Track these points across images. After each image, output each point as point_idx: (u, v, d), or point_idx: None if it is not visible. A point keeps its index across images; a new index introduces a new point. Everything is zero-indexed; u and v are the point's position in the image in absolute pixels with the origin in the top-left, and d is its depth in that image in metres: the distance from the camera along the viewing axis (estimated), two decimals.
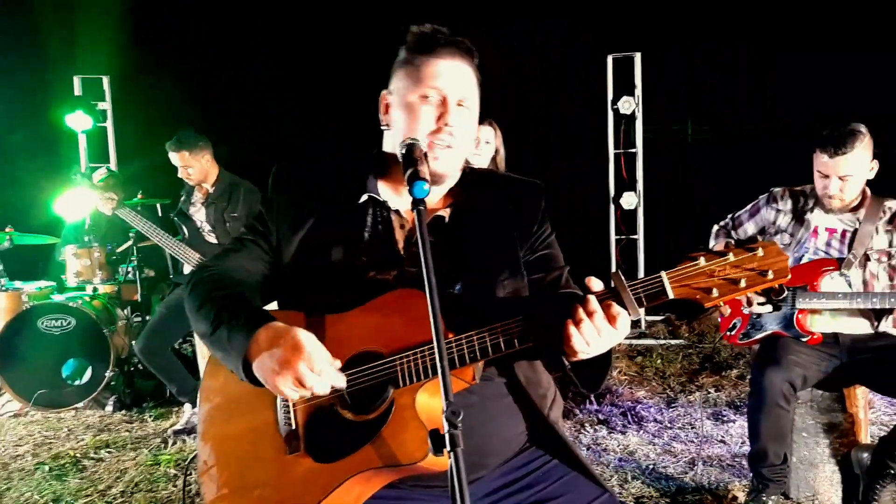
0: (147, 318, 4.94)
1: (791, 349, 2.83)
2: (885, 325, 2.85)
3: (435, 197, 1.63)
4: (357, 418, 1.43)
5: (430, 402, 1.40)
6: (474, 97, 1.60)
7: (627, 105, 6.36)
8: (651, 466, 3.53)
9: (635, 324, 6.43)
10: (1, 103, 6.72)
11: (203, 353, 4.30)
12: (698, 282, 1.32)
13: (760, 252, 1.32)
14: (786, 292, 2.89)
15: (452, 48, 1.56)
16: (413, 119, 1.54)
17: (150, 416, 4.56)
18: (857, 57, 7.02)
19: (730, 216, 3.29)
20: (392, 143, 1.60)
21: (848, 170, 2.81)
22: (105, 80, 6.65)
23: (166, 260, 4.89)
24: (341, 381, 1.39)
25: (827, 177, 2.85)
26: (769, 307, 2.91)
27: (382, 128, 1.64)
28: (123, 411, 4.70)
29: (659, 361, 5.48)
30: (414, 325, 1.40)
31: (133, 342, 4.64)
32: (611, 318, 1.32)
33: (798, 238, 3.01)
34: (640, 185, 6.56)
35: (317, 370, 1.36)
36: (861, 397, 3.07)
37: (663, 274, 1.33)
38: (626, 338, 6.09)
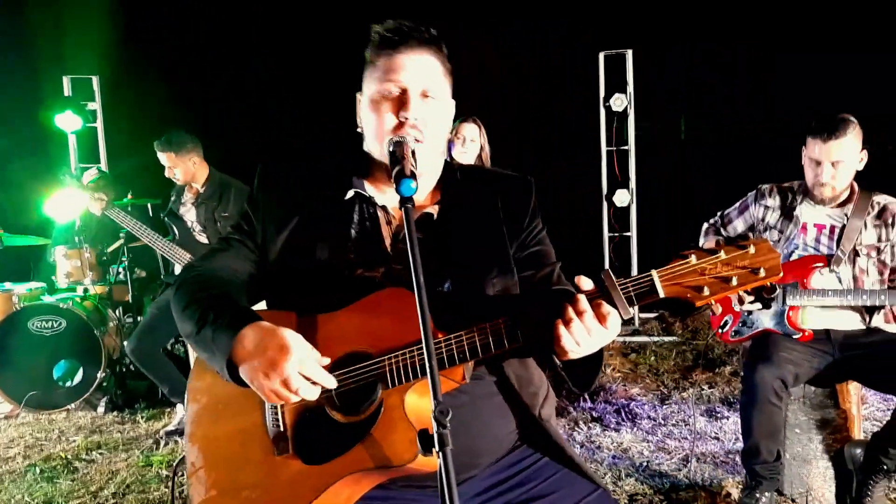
0: (139, 318, 4.91)
1: (782, 346, 2.83)
2: (877, 321, 2.85)
3: (422, 194, 1.62)
4: (346, 419, 1.41)
5: (419, 403, 1.38)
6: (442, 87, 1.57)
7: (619, 102, 6.36)
8: (645, 463, 3.53)
9: (629, 321, 6.43)
10: None
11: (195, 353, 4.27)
12: (689, 280, 1.30)
13: (752, 249, 1.30)
14: (777, 290, 2.89)
15: (414, 41, 1.53)
16: (378, 117, 1.53)
17: (142, 417, 4.54)
18: (853, 56, 7.03)
19: (719, 214, 3.29)
20: (367, 145, 1.60)
21: (840, 155, 2.82)
22: (95, 81, 6.61)
23: (158, 260, 4.86)
24: (331, 382, 1.38)
25: (819, 164, 2.86)
26: (759, 305, 2.91)
27: (358, 130, 1.62)
28: (115, 412, 4.68)
29: (653, 358, 5.48)
30: (402, 324, 1.39)
31: (125, 343, 4.62)
32: (601, 318, 1.31)
33: (787, 234, 3.01)
34: (632, 183, 6.55)
35: (306, 372, 1.34)
36: (854, 393, 3.07)
37: (654, 272, 1.31)
38: (620, 335, 6.07)
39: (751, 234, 2.65)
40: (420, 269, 1.24)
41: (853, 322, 2.90)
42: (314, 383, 1.36)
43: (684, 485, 3.27)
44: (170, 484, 3.43)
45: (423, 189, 1.62)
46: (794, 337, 2.88)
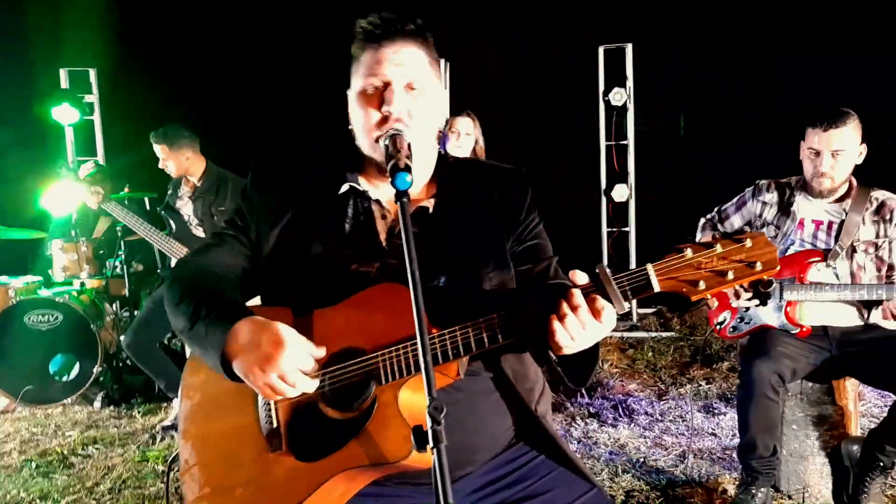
0: (135, 312, 4.90)
1: (780, 341, 2.82)
2: (875, 317, 2.85)
3: (417, 187, 1.60)
4: (339, 416, 1.40)
5: (413, 399, 1.37)
6: (428, 78, 1.54)
7: (619, 97, 6.34)
8: (642, 460, 3.52)
9: (626, 316, 6.42)
10: None
11: (189, 348, 4.26)
12: (685, 274, 1.29)
13: (748, 243, 1.29)
14: (773, 284, 2.88)
15: (397, 34, 1.51)
16: (363, 113, 1.51)
17: (139, 412, 4.53)
18: (853, 56, 7.02)
19: (716, 209, 3.28)
20: (358, 141, 1.58)
21: (840, 144, 2.82)
22: (92, 73, 6.57)
23: (155, 254, 4.84)
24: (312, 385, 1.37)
25: (818, 154, 2.85)
26: (757, 301, 2.90)
27: (350, 127, 1.61)
28: (112, 407, 4.66)
29: (650, 354, 5.48)
30: (396, 320, 1.38)
31: (121, 337, 4.60)
32: (595, 313, 1.30)
33: (784, 230, 3.00)
34: (631, 178, 6.54)
35: (301, 366, 1.33)
36: (851, 389, 3.06)
37: (649, 266, 1.30)
38: (618, 330, 6.10)
39: (746, 230, 2.64)
40: (416, 265, 1.23)
41: (851, 318, 2.89)
42: (311, 381, 1.36)
43: (681, 481, 3.27)
44: (165, 479, 3.42)
45: (418, 182, 1.60)
46: (792, 332, 2.87)
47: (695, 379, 4.81)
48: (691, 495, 3.13)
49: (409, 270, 1.22)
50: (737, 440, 3.02)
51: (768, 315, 2.94)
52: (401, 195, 1.31)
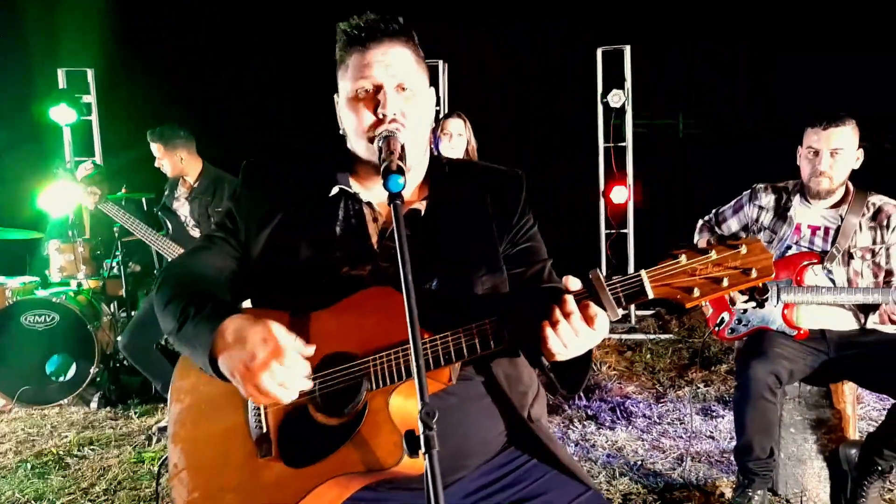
0: (132, 313, 4.88)
1: (777, 343, 2.81)
2: (872, 322, 2.84)
3: (409, 189, 1.59)
4: (330, 421, 1.39)
5: (404, 405, 1.36)
6: (417, 78, 1.53)
7: (617, 98, 6.32)
8: (639, 462, 3.51)
9: (625, 318, 6.41)
10: None
11: (180, 350, 4.24)
12: (679, 281, 1.28)
13: (744, 249, 1.27)
14: (769, 291, 2.87)
15: (382, 35, 1.50)
16: (356, 116, 1.50)
17: (136, 413, 4.51)
18: (853, 56, 7.02)
19: (714, 211, 3.27)
20: (350, 144, 1.57)
21: (839, 143, 2.82)
22: (90, 73, 6.55)
23: (152, 255, 4.82)
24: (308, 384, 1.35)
25: (817, 154, 2.85)
26: (753, 304, 2.89)
27: (341, 132, 1.60)
28: (108, 408, 4.64)
29: (649, 356, 5.46)
30: (388, 324, 1.37)
31: (118, 338, 4.59)
32: (588, 319, 1.28)
33: (780, 235, 2.99)
34: (630, 180, 6.52)
35: (291, 367, 1.31)
36: (849, 393, 3.05)
37: (643, 273, 1.29)
38: (616, 332, 6.09)
39: (742, 234, 2.63)
40: (409, 268, 1.21)
41: (848, 322, 2.88)
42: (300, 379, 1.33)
43: (678, 484, 3.26)
44: (161, 481, 3.41)
45: (410, 184, 1.59)
46: (790, 335, 2.86)
47: (693, 381, 4.80)
48: (689, 498, 3.12)
49: (402, 274, 1.21)
50: (734, 442, 3.01)
51: (766, 317, 2.92)
52: (393, 197, 1.29)
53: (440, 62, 6.54)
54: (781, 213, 3.02)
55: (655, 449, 3.67)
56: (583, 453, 3.64)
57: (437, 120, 4.03)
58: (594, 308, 1.28)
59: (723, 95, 8.41)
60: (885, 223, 2.86)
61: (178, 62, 7.46)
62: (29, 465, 3.69)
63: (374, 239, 1.56)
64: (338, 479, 1.34)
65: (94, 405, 4.66)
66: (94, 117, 6.62)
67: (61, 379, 4.68)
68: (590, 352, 1.37)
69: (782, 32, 7.28)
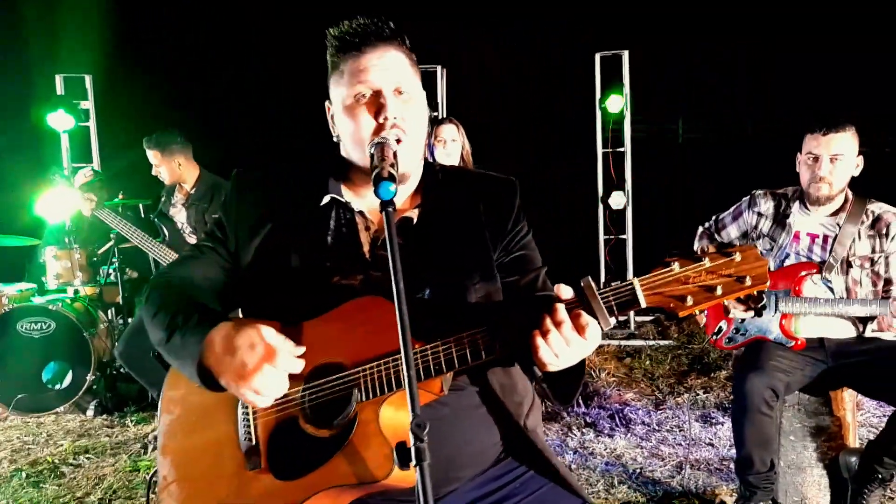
0: (129, 320, 4.86)
1: (774, 355, 2.79)
2: (871, 329, 2.81)
3: (401, 197, 1.57)
4: (320, 433, 1.37)
5: (395, 416, 1.34)
6: (413, 82, 1.52)
7: (615, 104, 6.31)
8: (638, 470, 3.48)
9: (624, 324, 6.39)
10: None
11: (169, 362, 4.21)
12: (672, 289, 1.26)
13: (738, 257, 1.26)
14: (764, 300, 2.85)
15: (376, 39, 1.48)
16: (355, 123, 1.47)
17: (132, 421, 4.49)
18: (853, 56, 7.00)
19: (713, 218, 3.25)
20: (345, 151, 1.55)
21: (839, 149, 2.80)
22: (88, 79, 6.54)
23: (149, 261, 4.81)
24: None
25: (817, 159, 2.83)
26: (751, 313, 2.87)
27: (334, 139, 1.58)
28: (105, 416, 4.62)
29: (648, 363, 5.43)
30: (378, 335, 1.35)
31: (115, 345, 4.56)
32: (579, 329, 1.26)
33: (779, 243, 2.97)
34: (628, 185, 6.51)
35: (282, 369, 1.30)
36: (849, 400, 3.03)
37: (635, 281, 1.27)
38: (615, 338, 6.07)
39: (736, 243, 2.61)
40: (400, 276, 1.20)
41: (847, 330, 2.86)
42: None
43: (678, 493, 3.23)
44: (154, 491, 3.39)
45: (404, 192, 1.57)
46: (787, 345, 2.84)
47: (692, 388, 4.77)
48: None
49: (393, 282, 1.19)
50: (734, 451, 2.99)
51: (764, 326, 2.90)
52: (385, 205, 1.27)
53: (438, 67, 6.54)
54: (780, 220, 3.00)
55: (654, 456, 3.65)
56: (581, 461, 3.61)
57: (429, 124, 4.01)
58: (585, 317, 1.26)
59: (723, 96, 8.39)
60: (884, 231, 2.84)
61: (177, 68, 7.46)
62: (24, 474, 3.67)
63: (366, 248, 1.54)
64: (328, 491, 1.32)
65: (90, 413, 4.63)
66: (92, 123, 6.61)
67: (57, 387, 4.66)
68: (583, 362, 1.35)
69: (782, 32, 7.26)
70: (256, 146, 7.41)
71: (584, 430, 4.03)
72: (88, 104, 6.57)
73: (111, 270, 4.89)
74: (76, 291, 5.05)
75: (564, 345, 1.27)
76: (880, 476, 2.72)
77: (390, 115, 1.44)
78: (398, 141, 1.45)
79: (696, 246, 3.28)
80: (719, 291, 1.24)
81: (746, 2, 7.44)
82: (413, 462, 1.11)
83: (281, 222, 1.55)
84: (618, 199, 6.43)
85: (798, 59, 7.33)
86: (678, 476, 3.39)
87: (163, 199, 4.58)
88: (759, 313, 2.85)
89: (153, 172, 4.42)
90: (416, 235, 1.53)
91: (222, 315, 1.42)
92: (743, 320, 2.95)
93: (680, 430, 4.00)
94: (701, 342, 5.75)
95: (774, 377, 2.70)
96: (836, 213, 2.91)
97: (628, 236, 6.56)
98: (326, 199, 1.55)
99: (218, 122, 7.41)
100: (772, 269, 2.93)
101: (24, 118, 6.41)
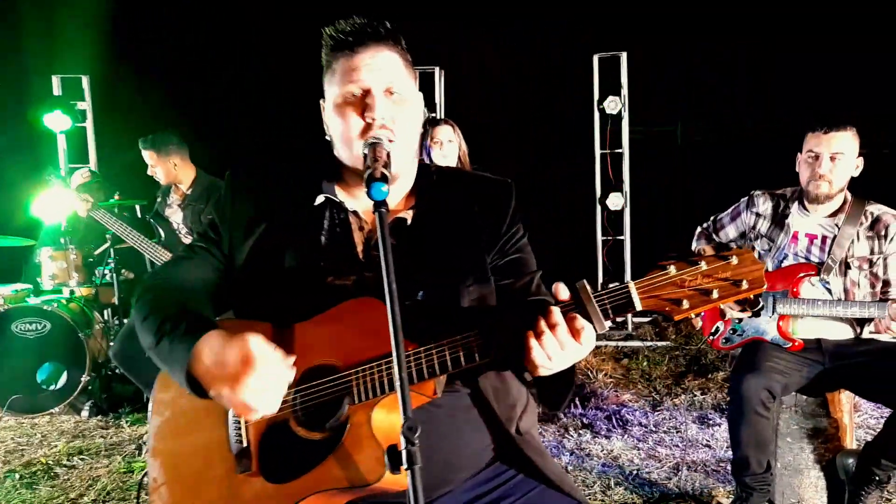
0: (125, 321, 4.84)
1: (771, 356, 2.78)
2: (868, 331, 2.80)
3: (396, 198, 1.56)
4: (311, 436, 1.36)
5: (387, 419, 1.32)
6: (406, 83, 1.50)
7: (613, 105, 6.31)
8: (635, 472, 3.47)
9: (621, 325, 6.38)
10: None
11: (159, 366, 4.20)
12: (668, 293, 1.24)
13: (734, 260, 1.24)
14: (761, 303, 2.84)
15: (370, 39, 1.46)
16: (343, 122, 1.46)
17: (127, 422, 4.47)
18: (853, 56, 7.00)
19: (712, 218, 3.24)
20: (337, 151, 1.54)
21: (840, 147, 2.79)
22: (84, 80, 6.53)
23: (145, 262, 4.80)
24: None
25: (817, 157, 2.82)
26: (747, 313, 2.86)
27: (327, 138, 1.56)
28: (99, 417, 4.60)
29: (645, 363, 5.42)
30: (371, 337, 1.34)
31: (111, 346, 4.55)
32: (574, 332, 1.25)
33: (778, 244, 2.96)
34: (626, 186, 6.50)
35: (272, 384, 1.28)
36: (846, 402, 3.02)
37: (631, 284, 1.26)
38: (612, 339, 6.06)
39: (733, 245, 2.60)
40: (393, 277, 1.18)
41: (844, 332, 2.85)
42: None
43: (674, 494, 3.22)
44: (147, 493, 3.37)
45: (397, 193, 1.56)
46: (784, 347, 2.83)
47: (690, 389, 4.76)
48: None
49: (385, 284, 1.18)
50: (731, 452, 2.98)
51: (761, 327, 2.89)
52: (378, 206, 1.26)
53: (436, 69, 6.53)
54: (779, 220, 2.99)
55: (651, 458, 3.63)
56: (578, 462, 3.60)
57: (425, 125, 3.99)
58: (581, 321, 1.25)
59: (723, 96, 8.38)
60: (882, 233, 2.83)
61: (174, 69, 7.45)
62: (17, 475, 3.65)
63: (360, 248, 1.53)
64: (319, 495, 1.31)
65: (85, 414, 4.61)
66: (88, 124, 6.60)
67: (52, 387, 4.64)
68: (573, 368, 1.34)
69: (782, 32, 7.26)
70: (254, 146, 7.39)
71: (580, 432, 4.02)
72: (85, 105, 6.56)
73: (107, 271, 4.87)
74: (72, 292, 5.03)
75: (558, 348, 1.25)
76: (877, 478, 2.71)
77: (377, 116, 1.43)
78: (388, 141, 1.43)
79: (694, 246, 3.27)
80: (715, 295, 1.23)
81: (746, 2, 7.44)
82: (404, 466, 1.09)
83: (275, 222, 1.54)
84: (616, 201, 6.43)
85: (798, 59, 7.32)
86: (675, 477, 3.38)
87: (159, 199, 4.57)
88: (756, 313, 2.84)
89: (149, 172, 4.41)
90: (410, 236, 1.52)
91: (210, 321, 1.41)
92: (740, 321, 2.95)
93: (677, 432, 3.99)
94: (698, 343, 5.74)
95: (771, 378, 2.69)
96: (834, 214, 2.90)
97: (626, 237, 6.56)
98: (320, 199, 1.54)
99: (215, 123, 7.39)
100: (770, 269, 2.92)
101: (20, 119, 6.39)
